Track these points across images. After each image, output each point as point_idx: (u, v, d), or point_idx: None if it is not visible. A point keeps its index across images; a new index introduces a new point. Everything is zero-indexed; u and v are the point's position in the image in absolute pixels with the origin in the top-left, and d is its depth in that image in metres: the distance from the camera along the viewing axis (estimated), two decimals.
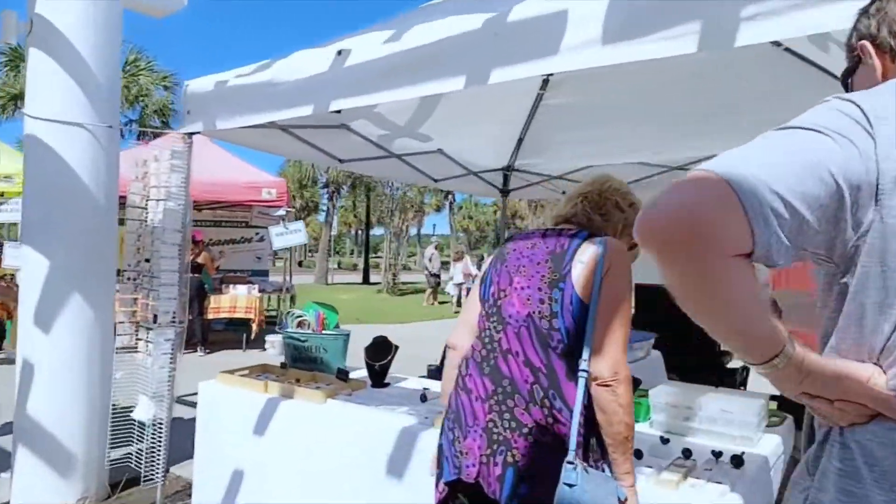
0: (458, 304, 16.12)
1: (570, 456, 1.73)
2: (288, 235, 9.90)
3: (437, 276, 18.36)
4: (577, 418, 1.78)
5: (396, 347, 3.70)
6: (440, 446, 2.03)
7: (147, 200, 3.97)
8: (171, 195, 3.72)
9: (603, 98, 4.85)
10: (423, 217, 48.88)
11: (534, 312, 1.90)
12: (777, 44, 3.87)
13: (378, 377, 3.62)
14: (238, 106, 3.44)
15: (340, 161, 4.82)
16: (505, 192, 6.47)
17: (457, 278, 15.77)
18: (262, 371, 3.91)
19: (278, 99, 3.24)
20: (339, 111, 3.20)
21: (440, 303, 18.67)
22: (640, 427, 2.73)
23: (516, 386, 1.87)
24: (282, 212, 10.05)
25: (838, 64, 3.83)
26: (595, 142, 5.42)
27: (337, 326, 4.09)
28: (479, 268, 16.07)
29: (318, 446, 3.10)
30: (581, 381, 1.81)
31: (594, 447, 1.83)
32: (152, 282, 3.86)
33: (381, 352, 3.66)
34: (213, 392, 3.63)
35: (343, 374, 3.54)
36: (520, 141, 5.80)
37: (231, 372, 3.74)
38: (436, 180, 5.79)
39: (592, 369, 1.79)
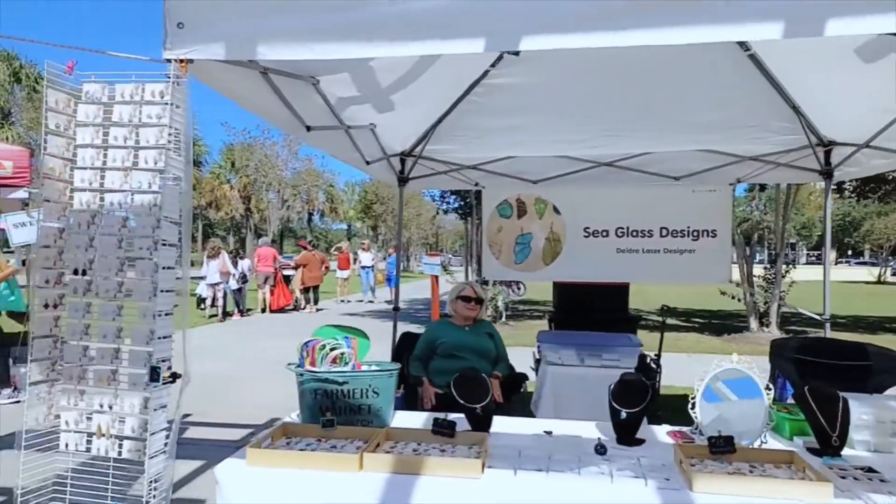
0: (212, 305, 13.92)
1: None
2: (34, 227, 7.32)
3: None
4: None
5: (488, 382, 2.78)
6: None
7: (71, 169, 2.30)
8: (168, 162, 2.20)
9: (553, 81, 4.49)
10: None
11: None
12: (746, 48, 4.02)
13: (482, 424, 2.67)
14: (315, 25, 2.16)
15: (308, 129, 3.52)
16: (403, 180, 5.62)
17: (211, 278, 13.57)
18: (282, 435, 2.59)
19: (409, 21, 2.11)
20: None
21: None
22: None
23: None
24: (22, 194, 7.34)
25: (789, 78, 4.22)
26: (528, 129, 5.02)
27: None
28: (235, 265, 14.19)
29: None
30: None
31: None
32: (89, 309, 2.26)
33: (474, 388, 2.71)
34: (247, 484, 2.25)
35: (447, 426, 2.51)
36: (437, 122, 5.05)
37: (256, 446, 2.39)
38: (368, 162, 4.71)
39: None
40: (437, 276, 13.14)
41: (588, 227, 5.39)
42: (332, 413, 2.70)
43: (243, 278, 14.61)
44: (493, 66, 4.43)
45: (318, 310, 16.11)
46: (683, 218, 5.25)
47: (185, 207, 2.23)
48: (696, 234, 5.24)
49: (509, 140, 5.19)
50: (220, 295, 13.82)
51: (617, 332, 5.33)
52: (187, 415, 6.26)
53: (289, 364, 2.83)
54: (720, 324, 13.94)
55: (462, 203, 13.40)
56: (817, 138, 4.91)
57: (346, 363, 2.76)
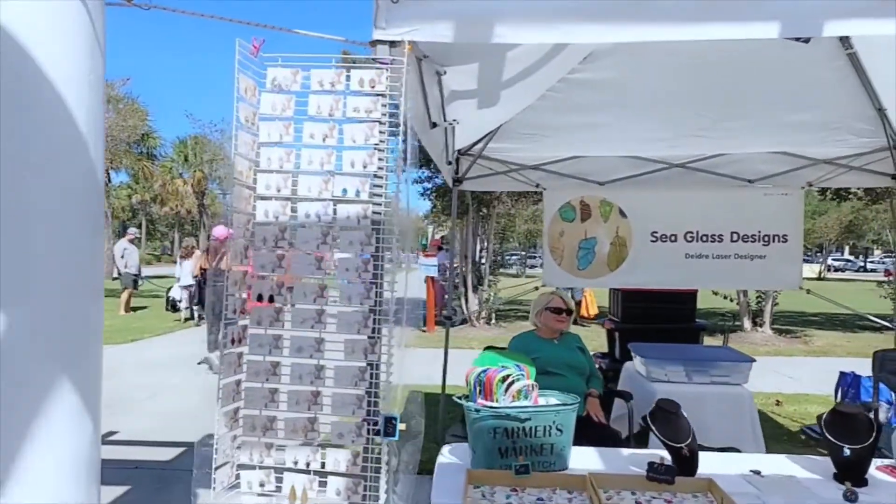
0: (192, 312, 13.02)
1: None
2: None
3: (137, 275, 14.75)
4: None
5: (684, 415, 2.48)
6: None
7: (255, 172, 1.88)
8: (398, 166, 1.80)
9: (637, 77, 4.27)
10: None
11: None
12: (847, 46, 3.89)
13: (689, 467, 2.36)
14: (570, 4, 1.80)
15: (433, 125, 3.13)
16: (458, 180, 5.25)
17: (184, 279, 12.73)
18: (479, 481, 2.22)
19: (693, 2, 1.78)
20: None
21: (134, 309, 15.13)
22: None
23: None
24: None
25: (881, 78, 4.09)
26: (603, 127, 4.77)
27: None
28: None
29: None
30: None
31: None
32: (277, 344, 1.84)
33: (675, 423, 2.40)
34: None
35: (666, 472, 2.20)
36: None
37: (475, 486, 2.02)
38: (449, 163, 4.33)
39: None
40: (433, 278, 12.83)
41: (656, 232, 5.16)
42: (512, 455, 2.35)
43: None
44: (581, 62, 4.14)
45: None
46: (754, 222, 5.08)
47: (407, 222, 1.84)
48: (766, 238, 5.08)
49: (580, 138, 4.92)
50: (195, 297, 13.03)
51: (684, 341, 5.13)
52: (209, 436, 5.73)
53: (457, 396, 2.46)
54: (708, 323, 14.04)
55: (441, 201, 13.11)
56: (894, 141, 4.82)
57: (526, 397, 2.41)
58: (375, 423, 1.79)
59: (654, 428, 2.38)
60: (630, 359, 4.90)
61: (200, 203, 33.62)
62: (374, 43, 1.86)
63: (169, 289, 14.27)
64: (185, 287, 13.03)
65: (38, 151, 1.58)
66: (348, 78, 1.86)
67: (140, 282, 15.26)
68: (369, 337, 1.82)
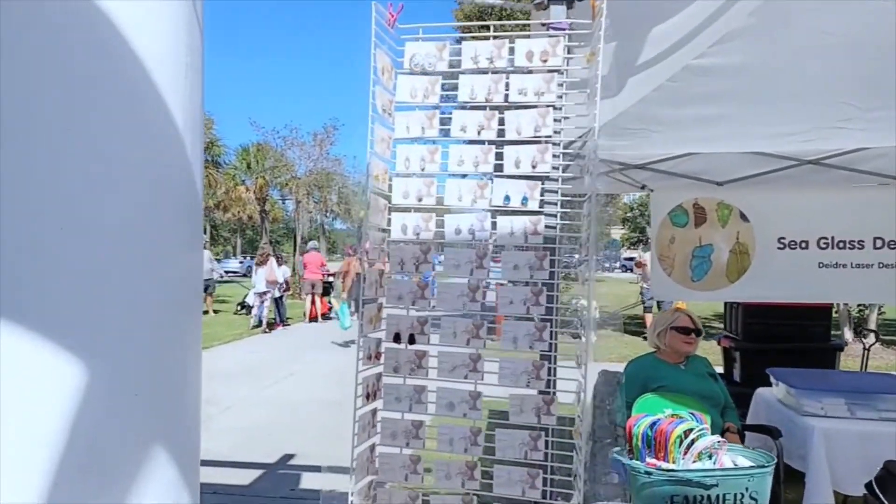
0: (259, 320, 12.91)
1: None
2: None
3: (209, 279, 14.85)
4: None
5: None
6: None
7: (390, 177, 1.45)
8: (588, 165, 1.36)
9: (773, 61, 3.62)
10: None
11: None
12: None
13: None
14: None
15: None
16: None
17: (259, 286, 12.61)
18: None
19: None
20: None
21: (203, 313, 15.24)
22: None
23: None
24: None
25: None
26: (727, 120, 4.15)
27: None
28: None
29: None
30: None
31: None
32: (420, 398, 1.41)
33: None
34: None
35: None
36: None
37: None
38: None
39: None
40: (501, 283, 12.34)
41: (783, 238, 4.56)
42: None
43: (285, 286, 13.80)
44: (712, 45, 3.60)
45: None
46: None
47: (592, 236, 1.38)
48: None
49: (696, 133, 4.35)
50: (266, 304, 12.98)
51: (817, 364, 4.51)
52: (290, 455, 5.44)
53: (617, 451, 1.98)
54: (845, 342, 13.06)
55: None
56: None
57: (710, 457, 1.91)
58: None
59: (884, 499, 1.85)
60: (755, 383, 4.32)
61: (262, 209, 34.00)
62: (545, 4, 1.41)
63: (245, 296, 14.46)
64: (260, 294, 12.95)
65: (126, 150, 1.21)
66: (511, 51, 1.42)
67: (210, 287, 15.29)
68: (541, 392, 1.36)
